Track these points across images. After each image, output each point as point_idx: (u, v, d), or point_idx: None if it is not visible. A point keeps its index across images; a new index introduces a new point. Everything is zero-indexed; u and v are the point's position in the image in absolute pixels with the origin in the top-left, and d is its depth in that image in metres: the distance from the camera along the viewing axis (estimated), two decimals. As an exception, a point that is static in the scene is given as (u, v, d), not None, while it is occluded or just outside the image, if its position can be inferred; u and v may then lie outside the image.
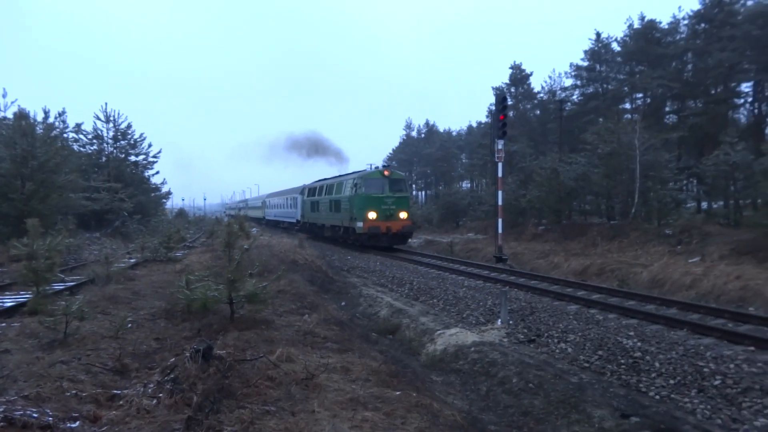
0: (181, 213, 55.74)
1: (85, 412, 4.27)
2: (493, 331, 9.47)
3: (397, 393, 5.01)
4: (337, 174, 31.07)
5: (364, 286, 15.19)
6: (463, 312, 11.15)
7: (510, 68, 47.28)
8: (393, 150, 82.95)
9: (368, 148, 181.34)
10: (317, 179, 33.70)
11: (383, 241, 22.87)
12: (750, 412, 5.79)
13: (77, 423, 4.07)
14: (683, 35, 36.09)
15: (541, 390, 6.66)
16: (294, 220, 38.24)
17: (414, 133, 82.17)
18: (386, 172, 23.70)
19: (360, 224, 22.65)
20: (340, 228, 25.99)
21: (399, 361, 7.38)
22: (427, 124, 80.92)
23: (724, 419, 5.72)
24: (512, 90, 46.91)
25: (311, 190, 32.80)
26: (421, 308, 11.86)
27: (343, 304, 13.32)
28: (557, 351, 8.29)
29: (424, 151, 74.70)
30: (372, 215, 22.52)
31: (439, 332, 9.70)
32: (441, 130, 78.49)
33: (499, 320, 9.91)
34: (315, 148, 44.60)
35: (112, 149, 31.51)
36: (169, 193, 40.87)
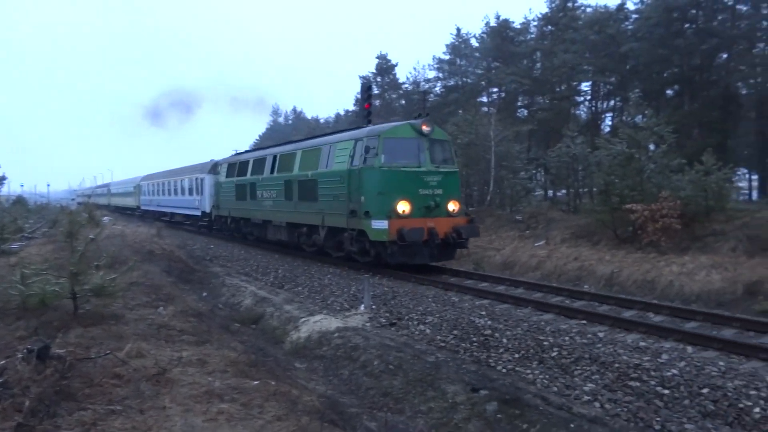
0: (20, 201, 49.91)
1: None
2: (357, 316, 9.66)
3: (256, 383, 4.95)
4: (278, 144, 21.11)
5: (227, 275, 14.74)
6: (327, 299, 11.24)
7: (377, 58, 48.15)
8: (260, 136, 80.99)
9: (232, 133, 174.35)
10: (249, 149, 23.25)
11: (424, 256, 13.01)
12: (581, 378, 6.46)
13: None
14: (533, 35, 39.05)
15: (400, 370, 6.92)
16: (197, 213, 26.94)
17: (281, 120, 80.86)
18: (424, 126, 13.24)
19: (381, 225, 12.37)
20: (319, 229, 15.47)
21: (260, 351, 7.29)
22: (294, 110, 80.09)
23: (559, 386, 6.33)
24: (378, 79, 47.80)
25: (237, 166, 21.42)
26: (286, 296, 11.77)
27: (204, 294, 12.84)
28: (417, 333, 8.65)
29: (291, 138, 73.71)
30: (403, 207, 12.56)
31: (303, 319, 9.70)
32: (309, 117, 78.04)
33: (362, 306, 10.13)
34: (186, 107, 39.48)
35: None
36: (3, 178, 36.71)
